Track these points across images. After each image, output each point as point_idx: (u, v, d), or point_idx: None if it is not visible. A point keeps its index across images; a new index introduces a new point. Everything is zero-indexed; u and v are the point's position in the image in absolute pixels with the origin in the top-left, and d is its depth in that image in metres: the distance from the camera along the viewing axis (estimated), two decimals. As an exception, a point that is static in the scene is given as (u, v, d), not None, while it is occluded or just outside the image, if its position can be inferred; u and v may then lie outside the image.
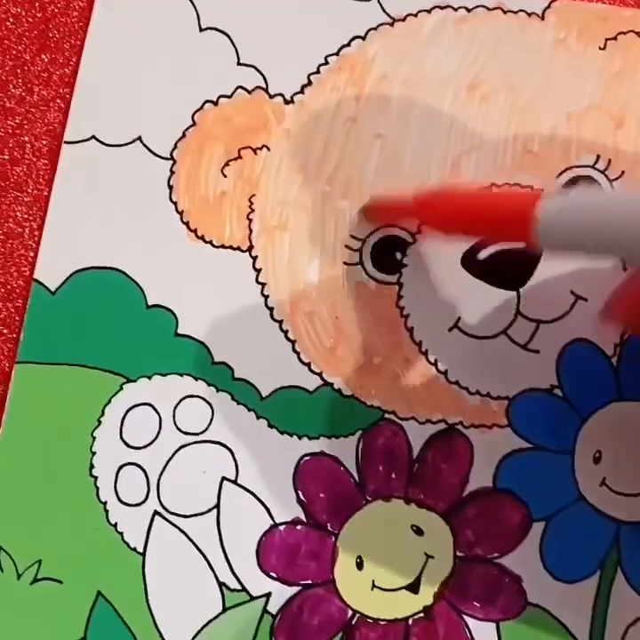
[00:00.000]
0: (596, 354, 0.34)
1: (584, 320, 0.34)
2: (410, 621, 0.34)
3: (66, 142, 0.35)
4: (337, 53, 0.35)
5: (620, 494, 0.34)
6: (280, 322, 0.34)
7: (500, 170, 0.35)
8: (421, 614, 0.34)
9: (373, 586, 0.34)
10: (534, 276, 0.34)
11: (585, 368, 0.34)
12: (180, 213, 0.34)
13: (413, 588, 0.34)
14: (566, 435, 0.34)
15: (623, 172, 0.35)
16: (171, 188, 0.34)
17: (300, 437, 0.34)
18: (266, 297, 0.34)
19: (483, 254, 0.33)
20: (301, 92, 0.35)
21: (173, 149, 0.35)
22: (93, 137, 0.35)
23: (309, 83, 0.35)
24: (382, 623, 0.34)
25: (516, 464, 0.34)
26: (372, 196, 0.34)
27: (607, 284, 0.34)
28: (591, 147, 0.35)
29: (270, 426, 0.34)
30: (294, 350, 0.34)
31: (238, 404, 0.34)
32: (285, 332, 0.34)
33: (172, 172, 0.34)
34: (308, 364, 0.34)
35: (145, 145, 0.35)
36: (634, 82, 0.35)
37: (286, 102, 0.35)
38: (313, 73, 0.35)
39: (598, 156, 0.35)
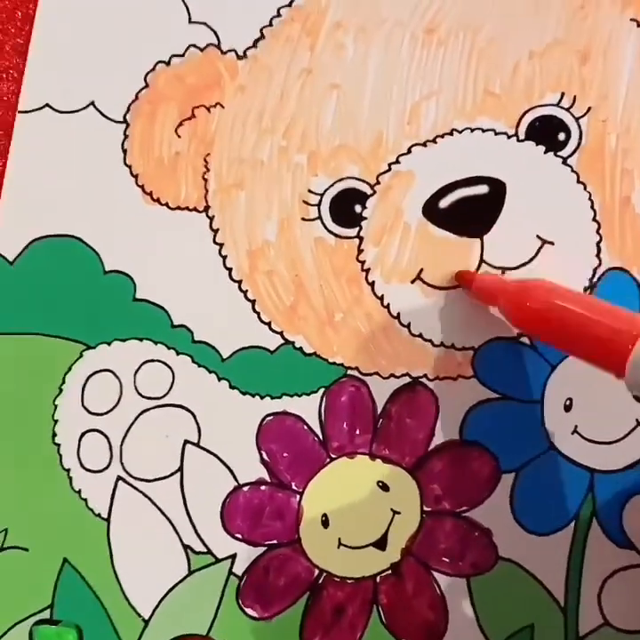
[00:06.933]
0: (564, 299, 0.34)
1: (551, 265, 0.33)
2: (377, 579, 0.34)
3: (20, 112, 0.35)
4: (289, 5, 0.35)
5: (593, 442, 0.34)
6: (239, 282, 0.34)
7: (461, 114, 0.34)
8: (389, 571, 0.34)
9: (340, 544, 0.34)
10: (498, 221, 0.34)
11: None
12: (135, 177, 0.34)
13: (380, 544, 0.34)
14: (535, 383, 0.34)
15: (589, 109, 0.34)
16: (125, 151, 0.34)
17: (262, 397, 0.34)
18: (224, 257, 0.34)
19: (444, 202, 0.33)
20: (254, 46, 0.35)
21: (126, 113, 0.35)
22: (47, 105, 0.35)
23: (262, 36, 0.35)
24: (350, 582, 0.34)
25: (482, 415, 0.34)
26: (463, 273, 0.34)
27: (574, 226, 0.33)
28: (555, 84, 0.34)
29: (232, 387, 0.34)
30: (254, 310, 0.34)
31: (199, 366, 0.34)
32: (245, 292, 0.34)
33: (126, 136, 0.34)
34: (269, 324, 0.34)
35: (98, 109, 0.35)
36: (599, 12, 0.34)
37: (239, 57, 0.35)
38: (265, 26, 0.35)
39: (563, 94, 0.34)
